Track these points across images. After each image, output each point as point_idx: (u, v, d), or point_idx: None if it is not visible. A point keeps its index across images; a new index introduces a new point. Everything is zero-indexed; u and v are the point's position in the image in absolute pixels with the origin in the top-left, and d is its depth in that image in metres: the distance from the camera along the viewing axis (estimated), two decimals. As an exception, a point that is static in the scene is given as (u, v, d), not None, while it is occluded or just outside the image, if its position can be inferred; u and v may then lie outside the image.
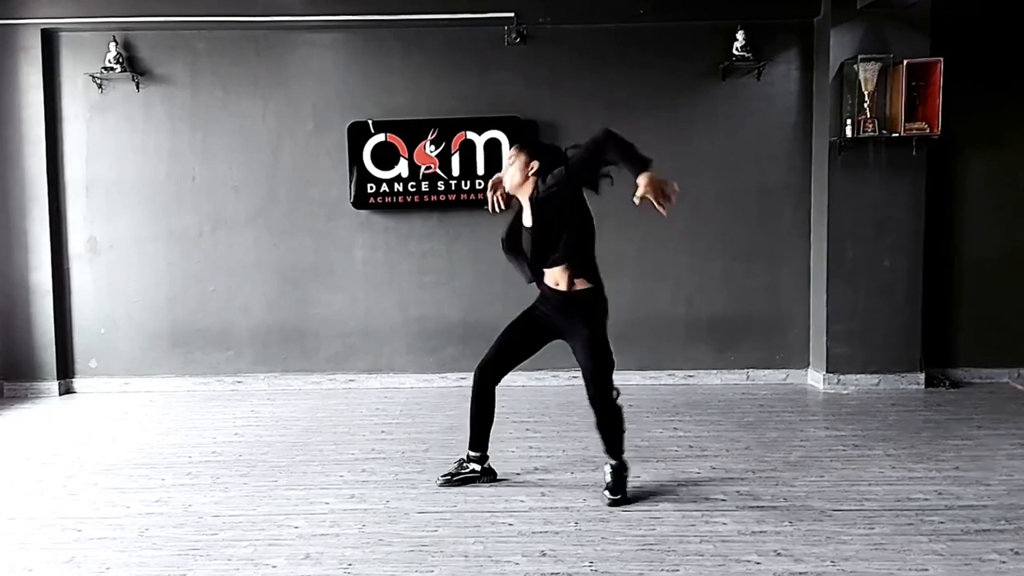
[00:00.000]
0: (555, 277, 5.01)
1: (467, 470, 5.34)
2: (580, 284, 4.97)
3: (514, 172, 5.01)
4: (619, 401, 5.10)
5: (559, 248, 4.93)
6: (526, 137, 5.07)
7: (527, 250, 5.06)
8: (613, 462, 5.12)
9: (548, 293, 5.09)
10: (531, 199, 4.98)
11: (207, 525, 4.74)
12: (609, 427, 5.10)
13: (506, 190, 5.13)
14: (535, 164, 4.97)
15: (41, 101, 7.71)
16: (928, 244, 7.62)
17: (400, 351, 8.04)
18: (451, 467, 5.40)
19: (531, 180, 4.98)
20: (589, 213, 4.96)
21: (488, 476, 5.38)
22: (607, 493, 5.03)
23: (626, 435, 5.15)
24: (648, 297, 7.92)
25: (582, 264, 4.98)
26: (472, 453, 5.35)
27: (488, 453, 5.39)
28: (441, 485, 5.28)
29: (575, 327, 5.05)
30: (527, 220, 5.05)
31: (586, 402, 7.28)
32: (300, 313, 8.02)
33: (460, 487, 5.26)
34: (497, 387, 5.27)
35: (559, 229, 4.90)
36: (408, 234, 7.92)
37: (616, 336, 7.84)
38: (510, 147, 5.07)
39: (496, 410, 5.14)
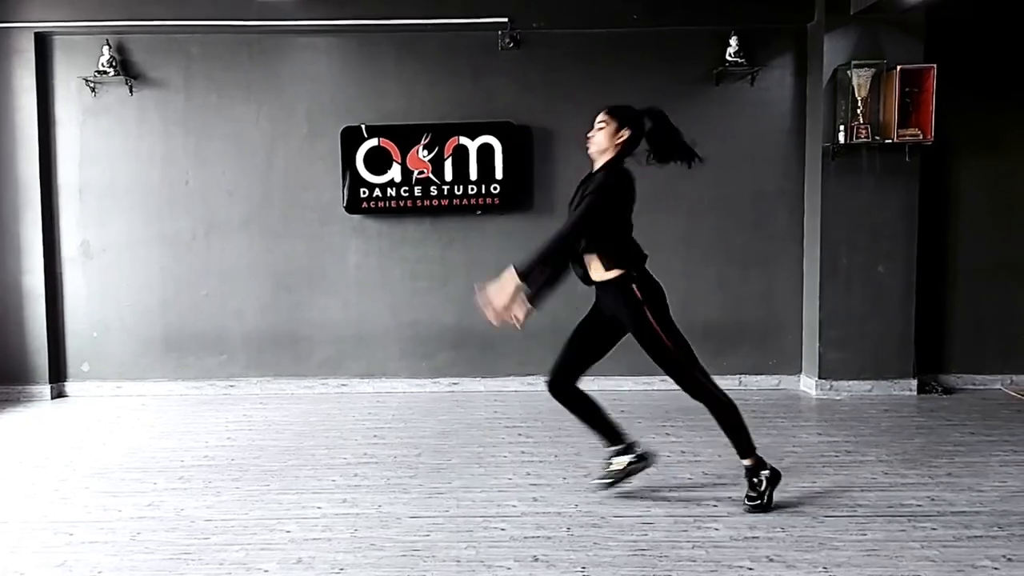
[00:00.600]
0: (592, 265, 4.89)
1: (619, 467, 5.13)
2: (608, 272, 4.82)
3: (601, 138, 4.85)
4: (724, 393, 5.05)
5: (594, 233, 4.77)
6: (619, 105, 4.90)
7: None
8: (746, 463, 5.03)
9: (596, 285, 4.97)
10: (605, 168, 4.85)
11: (199, 529, 4.73)
12: (722, 419, 5.09)
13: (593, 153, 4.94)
14: (625, 133, 4.83)
15: (34, 104, 7.70)
16: (921, 250, 7.63)
17: (393, 356, 8.04)
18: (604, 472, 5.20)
19: (615, 149, 4.85)
20: (619, 208, 4.84)
21: (644, 461, 5.17)
22: (745, 500, 4.99)
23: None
24: (641, 302, 7.91)
25: (607, 251, 4.82)
26: (612, 449, 5.16)
27: (629, 440, 5.18)
28: (603, 488, 5.14)
29: (624, 318, 4.91)
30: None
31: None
32: (293, 318, 8.01)
33: (615, 486, 5.15)
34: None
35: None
36: (401, 239, 7.91)
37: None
38: (602, 113, 4.89)
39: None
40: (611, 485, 5.14)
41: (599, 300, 5.05)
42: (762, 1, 7.67)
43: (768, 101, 7.82)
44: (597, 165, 4.91)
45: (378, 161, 7.71)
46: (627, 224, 4.93)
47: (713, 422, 6.82)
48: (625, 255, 4.86)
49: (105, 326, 7.99)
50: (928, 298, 7.83)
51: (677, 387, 7.84)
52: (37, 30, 7.67)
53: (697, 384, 4.99)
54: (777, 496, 5.08)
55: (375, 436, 6.56)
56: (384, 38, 7.79)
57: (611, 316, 4.98)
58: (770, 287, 7.94)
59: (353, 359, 8.05)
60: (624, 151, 4.87)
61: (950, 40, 7.58)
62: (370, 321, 8.00)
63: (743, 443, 5.03)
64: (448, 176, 7.70)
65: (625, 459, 5.14)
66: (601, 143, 4.86)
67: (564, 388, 5.05)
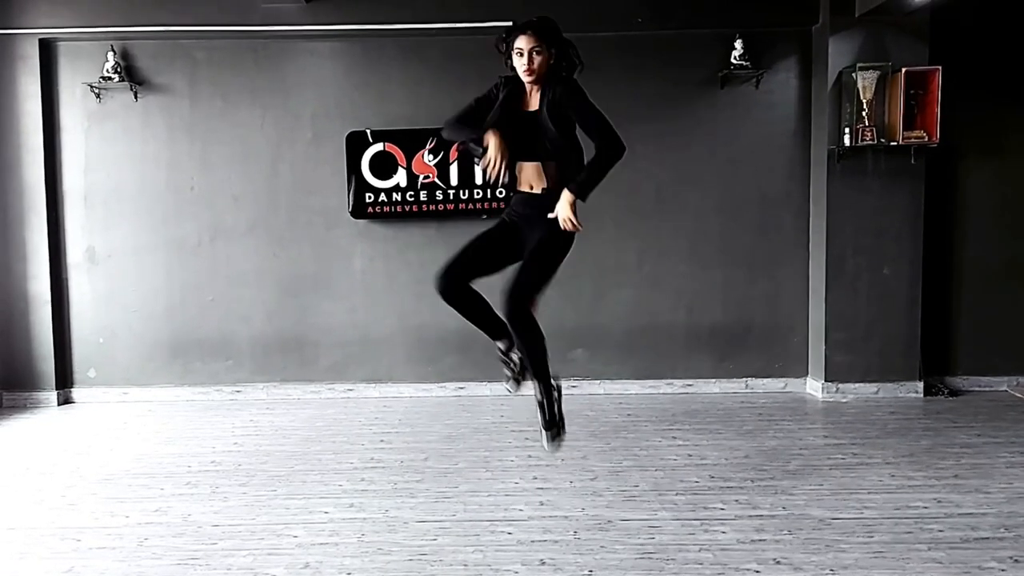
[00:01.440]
0: (531, 178, 4.80)
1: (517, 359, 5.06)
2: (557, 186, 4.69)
3: (542, 64, 4.70)
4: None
5: (553, 146, 4.70)
6: (548, 27, 4.78)
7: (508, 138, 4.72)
8: (540, 384, 4.92)
9: (522, 198, 4.88)
10: (543, 93, 4.74)
11: (206, 535, 4.74)
12: (529, 343, 4.85)
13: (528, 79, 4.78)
14: (554, 52, 4.73)
15: (39, 111, 7.72)
16: (927, 252, 7.63)
17: (399, 361, 8.04)
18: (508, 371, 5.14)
19: (549, 68, 4.74)
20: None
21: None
22: (544, 432, 4.96)
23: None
24: (647, 305, 7.92)
25: (571, 168, 4.71)
26: (506, 342, 5.08)
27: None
28: (515, 387, 5.14)
29: (537, 231, 4.78)
30: (529, 103, 4.81)
31: (587, 411, 7.30)
32: (299, 323, 8.01)
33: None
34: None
35: (561, 133, 4.66)
36: (407, 243, 7.91)
37: (615, 344, 7.92)
38: (524, 33, 4.70)
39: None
40: (520, 377, 5.03)
41: (513, 215, 4.96)
42: (767, 4, 7.66)
43: (773, 104, 7.82)
44: (534, 88, 4.82)
45: (383, 166, 7.72)
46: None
47: (718, 425, 6.88)
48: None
49: (111, 332, 8.00)
50: (934, 300, 7.82)
51: (683, 391, 7.90)
52: (42, 36, 7.68)
53: (527, 304, 4.78)
54: (784, 498, 5.09)
55: (382, 441, 6.56)
56: (389, 43, 7.80)
57: (522, 233, 4.87)
58: (776, 290, 7.94)
59: (359, 364, 8.06)
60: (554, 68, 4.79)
61: (955, 42, 7.57)
62: (376, 326, 8.00)
63: (538, 367, 4.90)
64: (454, 180, 7.70)
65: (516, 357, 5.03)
66: (542, 68, 4.72)
67: (457, 289, 4.96)
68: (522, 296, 4.74)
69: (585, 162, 4.75)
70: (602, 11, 7.64)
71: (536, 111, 4.76)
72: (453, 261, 4.94)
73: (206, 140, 7.89)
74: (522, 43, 4.69)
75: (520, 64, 4.71)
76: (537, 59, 4.68)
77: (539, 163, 4.77)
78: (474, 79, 7.74)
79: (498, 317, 4.92)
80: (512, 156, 4.73)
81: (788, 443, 6.30)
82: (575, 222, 4.57)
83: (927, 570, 4.12)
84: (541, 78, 4.74)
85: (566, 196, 4.56)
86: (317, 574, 4.21)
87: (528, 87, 4.83)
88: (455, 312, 7.24)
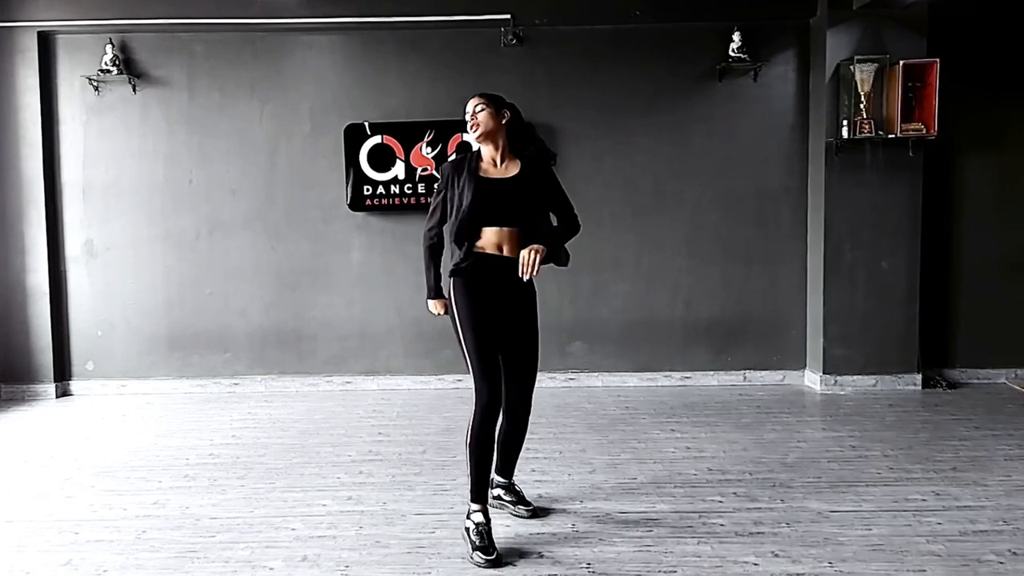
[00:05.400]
0: (502, 240, 4.53)
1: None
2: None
3: (486, 119, 4.56)
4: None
5: (526, 214, 4.55)
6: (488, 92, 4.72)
7: (479, 206, 4.51)
8: (508, 481, 4.94)
9: (488, 259, 4.54)
10: (523, 165, 4.62)
11: (204, 527, 4.73)
12: (522, 439, 4.85)
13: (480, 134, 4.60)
14: (507, 113, 4.63)
15: (38, 104, 7.70)
16: (925, 245, 7.63)
17: (397, 353, 8.03)
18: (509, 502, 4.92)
19: (503, 130, 4.61)
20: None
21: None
22: (523, 508, 4.88)
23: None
24: (646, 299, 7.91)
25: (534, 236, 4.53)
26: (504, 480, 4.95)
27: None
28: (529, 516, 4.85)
29: (521, 308, 4.66)
30: (497, 172, 4.62)
31: (585, 404, 7.28)
32: (297, 315, 8.01)
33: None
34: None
35: (535, 199, 4.56)
36: (405, 236, 7.89)
37: (614, 338, 7.92)
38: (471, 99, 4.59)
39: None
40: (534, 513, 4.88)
41: (486, 287, 4.59)
42: (765, -4, 7.69)
43: (771, 97, 7.81)
44: (487, 150, 4.65)
45: (381, 158, 7.72)
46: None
47: (716, 418, 6.86)
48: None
49: (110, 325, 8.00)
50: (932, 293, 7.83)
51: (681, 384, 7.89)
52: (40, 29, 7.67)
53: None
54: (782, 491, 5.09)
55: (380, 433, 6.56)
56: (387, 35, 7.79)
57: (502, 304, 4.61)
58: (774, 283, 7.94)
59: (357, 356, 8.06)
60: (512, 132, 4.69)
61: (952, 35, 7.57)
62: (374, 318, 8.00)
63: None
64: (451, 173, 7.69)
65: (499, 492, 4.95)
66: (488, 123, 4.57)
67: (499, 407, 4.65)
68: (530, 394, 4.76)
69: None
70: (600, 4, 7.64)
71: (513, 178, 4.60)
72: (492, 383, 4.51)
73: (204, 133, 7.88)
74: (468, 107, 4.63)
75: (470, 126, 4.61)
76: (480, 115, 4.57)
77: (513, 228, 4.53)
78: (471, 72, 7.80)
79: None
80: (484, 219, 4.55)
81: (786, 436, 6.30)
82: (534, 268, 4.36)
83: (925, 563, 4.12)
84: (487, 136, 4.60)
85: (538, 249, 4.37)
86: (315, 567, 4.20)
87: (489, 156, 4.67)
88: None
